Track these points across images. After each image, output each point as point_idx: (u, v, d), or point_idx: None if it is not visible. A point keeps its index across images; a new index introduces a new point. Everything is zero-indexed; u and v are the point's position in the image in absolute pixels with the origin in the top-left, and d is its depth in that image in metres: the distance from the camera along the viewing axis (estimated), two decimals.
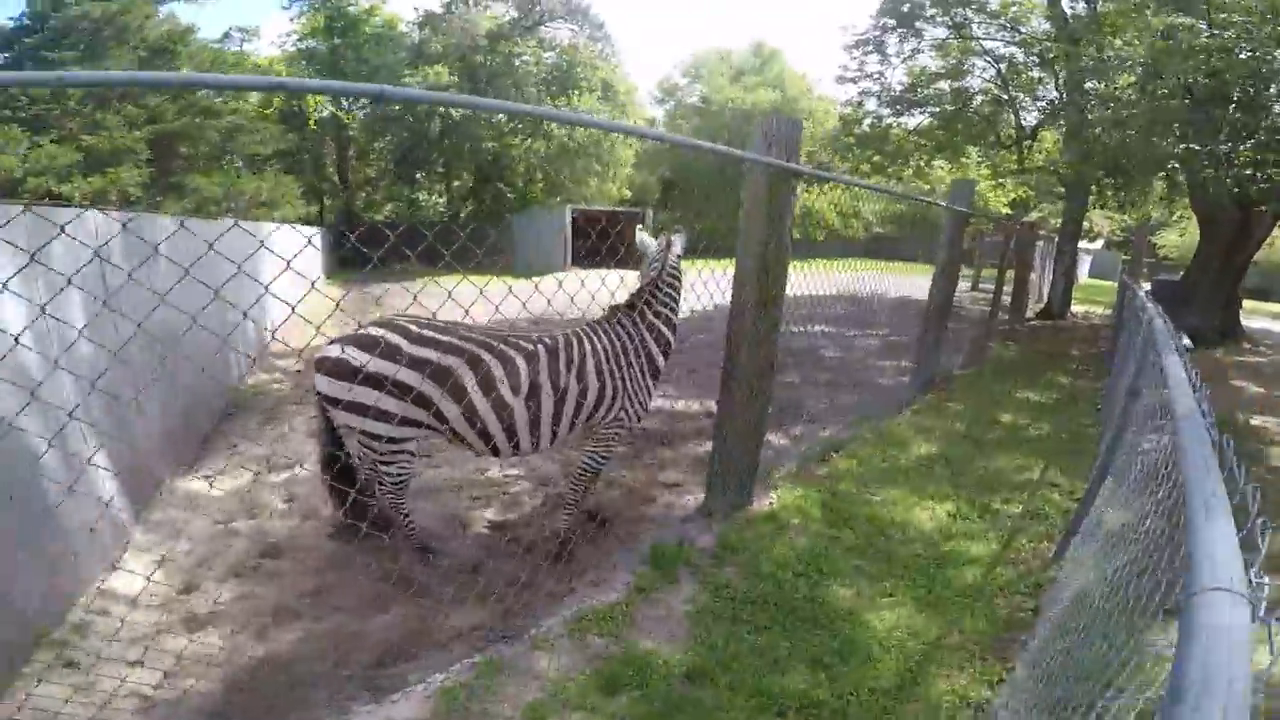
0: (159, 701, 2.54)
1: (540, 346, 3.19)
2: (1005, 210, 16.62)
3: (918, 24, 14.80)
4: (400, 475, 3.30)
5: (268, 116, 20.51)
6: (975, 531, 3.58)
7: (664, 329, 3.48)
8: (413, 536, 3.56)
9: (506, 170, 26.34)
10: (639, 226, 3.78)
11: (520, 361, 3.11)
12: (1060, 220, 14.76)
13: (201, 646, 2.91)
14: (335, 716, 2.35)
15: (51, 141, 14.48)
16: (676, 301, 3.56)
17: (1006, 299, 10.66)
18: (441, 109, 20.47)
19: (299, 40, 24.13)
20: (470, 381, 2.99)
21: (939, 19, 14.44)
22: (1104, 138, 10.77)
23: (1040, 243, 14.08)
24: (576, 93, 26.14)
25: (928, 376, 6.75)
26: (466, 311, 2.52)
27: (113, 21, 15.91)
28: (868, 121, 16.58)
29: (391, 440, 3.09)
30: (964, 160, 16.90)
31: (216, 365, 5.87)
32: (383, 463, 3.23)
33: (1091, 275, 29.94)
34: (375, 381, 2.87)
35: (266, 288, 2.09)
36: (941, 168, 18.02)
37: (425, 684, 2.46)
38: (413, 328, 3.04)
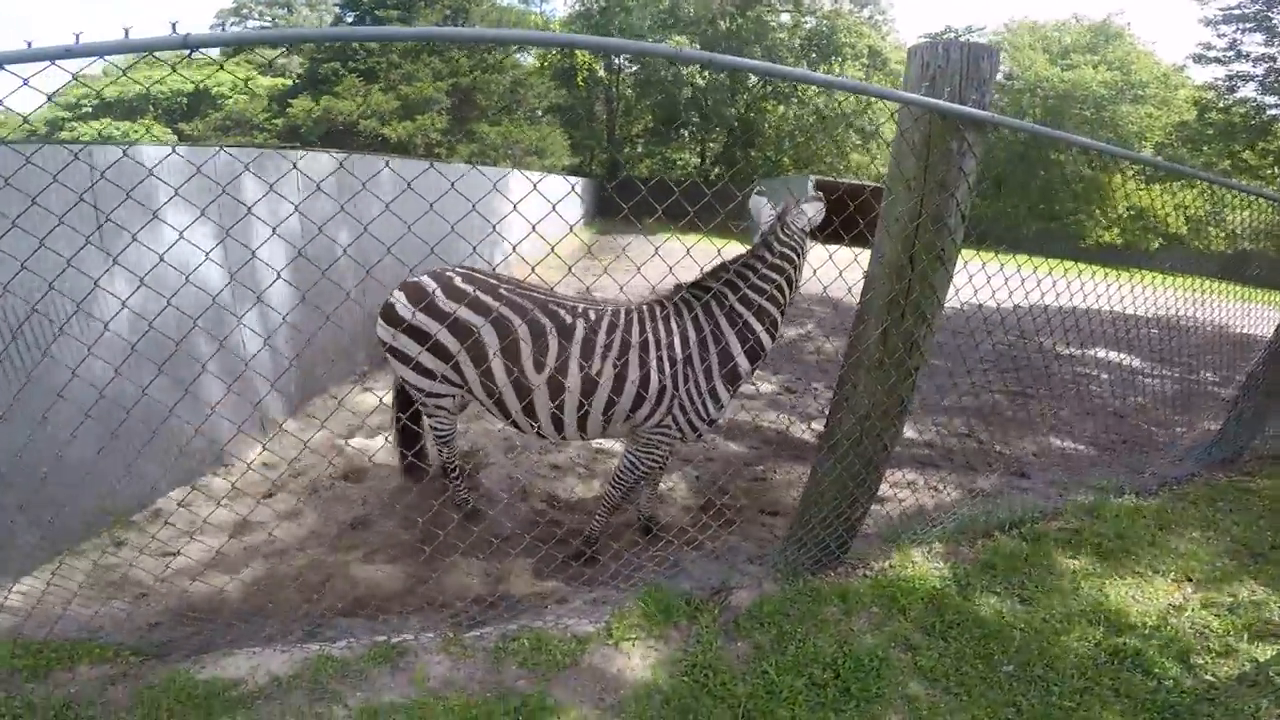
0: (152, 593, 2.68)
1: (579, 320, 2.66)
2: None
3: None
4: (440, 429, 3.12)
5: (544, 73, 22.43)
6: (1136, 688, 2.19)
7: (754, 322, 2.66)
8: (459, 492, 3.37)
9: (757, 136, 25.53)
10: (758, 189, 2.92)
11: (551, 334, 2.63)
12: None
13: (225, 554, 3.06)
14: (239, 650, 2.24)
15: (379, 90, 17.56)
16: (783, 290, 2.70)
17: None
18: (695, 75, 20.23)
19: (577, 1, 25.76)
20: (492, 344, 2.64)
21: None
22: None
23: None
24: (839, 60, 24.06)
25: (1234, 450, 4.63)
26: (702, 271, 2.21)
27: None
28: (1238, 111, 12.43)
29: (424, 391, 2.92)
30: None
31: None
32: (427, 413, 3.08)
33: None
34: (407, 328, 2.75)
35: (494, 226, 2.14)
36: None
37: (325, 644, 2.24)
38: (456, 279, 2.77)
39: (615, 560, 3.04)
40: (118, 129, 23.76)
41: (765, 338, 2.70)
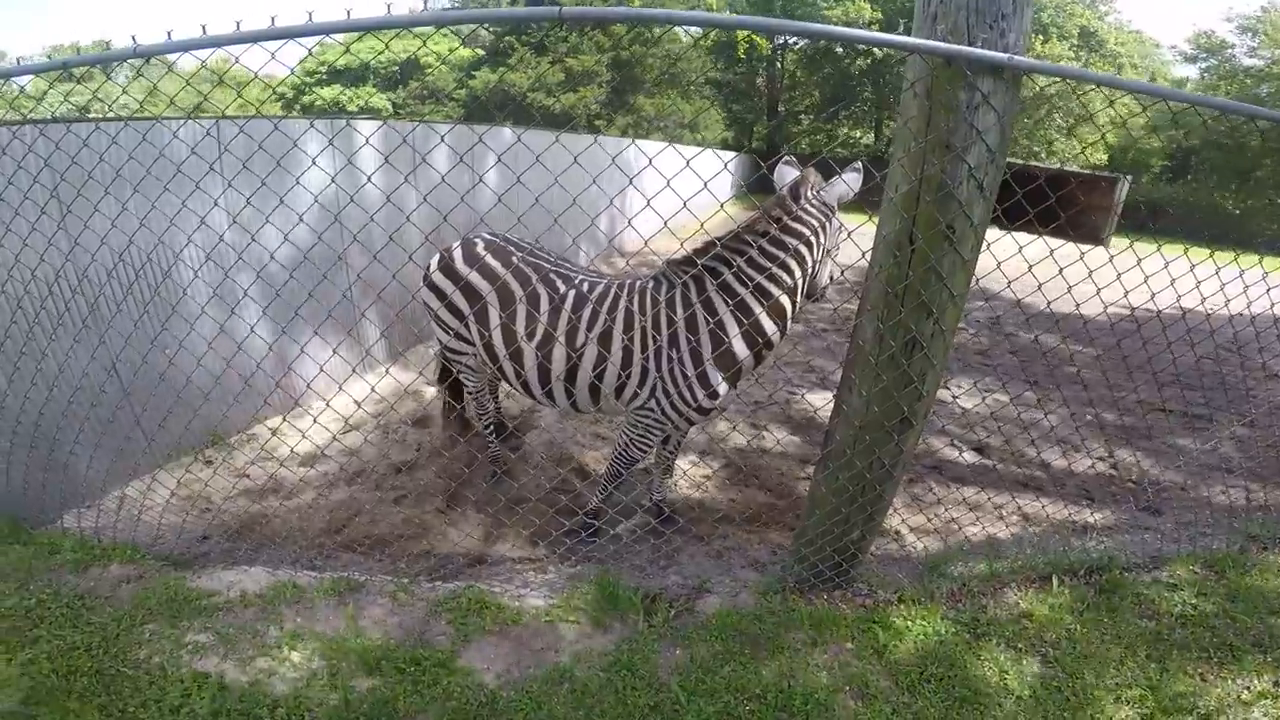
0: (213, 509, 3.08)
1: (571, 291, 2.58)
2: None
3: None
4: (467, 384, 3.28)
5: (701, 47, 22.05)
6: None
7: (754, 304, 2.38)
8: (490, 449, 3.51)
9: None
10: (786, 158, 2.59)
11: (544, 303, 2.59)
12: None
13: (283, 480, 3.41)
14: (235, 567, 2.51)
15: (547, 62, 18.38)
16: (794, 271, 2.36)
17: None
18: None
19: None
20: (493, 311, 2.69)
21: None
22: None
23: None
24: (1042, 39, 21.01)
25: None
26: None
27: None
28: None
29: (446, 346, 3.06)
30: None
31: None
32: (454, 369, 3.24)
33: None
34: (432, 285, 2.91)
35: (575, 199, 2.26)
36: None
37: (299, 571, 2.46)
38: (477, 245, 2.87)
39: (615, 541, 2.98)
40: (344, 95, 27.24)
41: (767, 322, 2.41)
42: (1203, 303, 2.25)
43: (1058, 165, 19.89)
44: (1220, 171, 22.16)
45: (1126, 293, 2.12)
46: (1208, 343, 3.13)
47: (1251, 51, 25.10)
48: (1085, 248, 2.14)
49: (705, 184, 1.71)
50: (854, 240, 2.02)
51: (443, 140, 4.67)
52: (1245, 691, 1.96)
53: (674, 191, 1.75)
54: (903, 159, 1.77)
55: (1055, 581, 2.58)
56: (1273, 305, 2.57)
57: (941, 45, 1.54)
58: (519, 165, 4.81)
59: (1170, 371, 5.45)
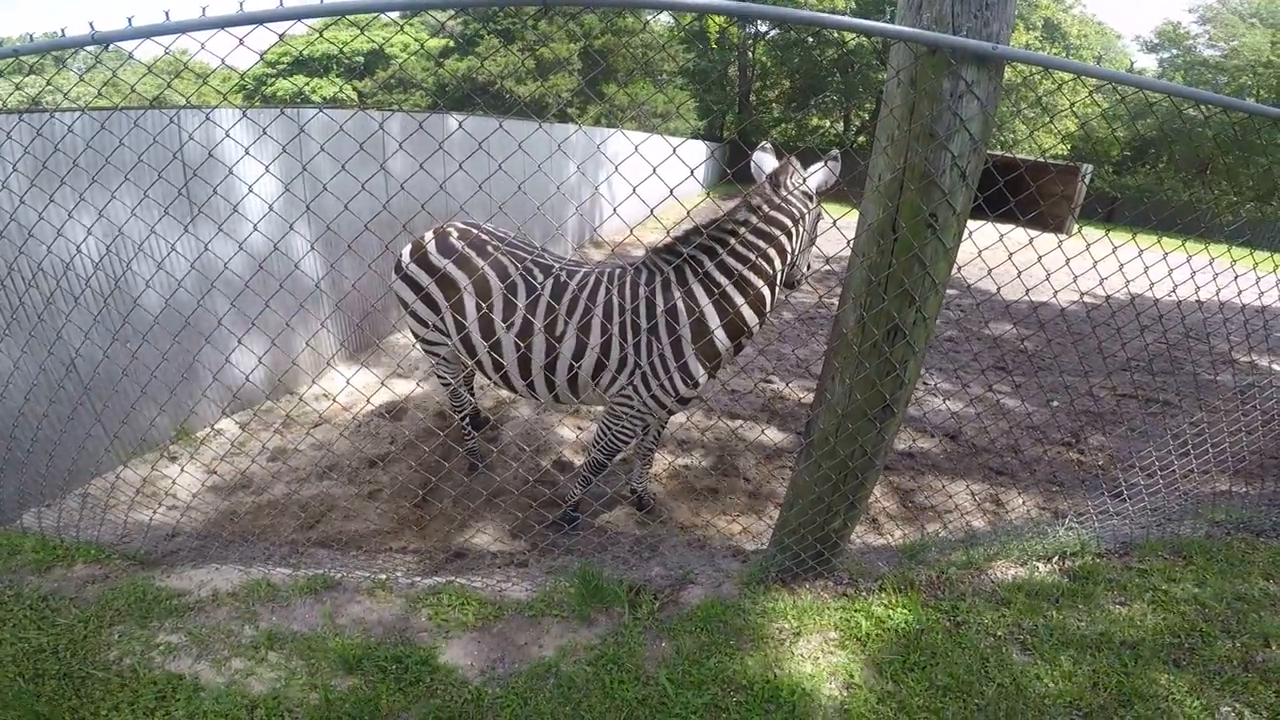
0: (179, 506, 2.98)
1: (549, 279, 2.54)
2: None
3: None
4: (441, 376, 3.22)
5: (674, 37, 22.02)
6: None
7: (734, 293, 2.37)
8: (465, 440, 3.47)
9: None
10: (763, 145, 2.57)
11: (523, 292, 2.54)
12: None
13: (253, 475, 3.32)
14: (205, 565, 2.44)
15: (516, 51, 18.14)
16: (773, 259, 2.36)
17: None
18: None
19: None
20: (470, 302, 2.63)
21: None
22: None
23: None
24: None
25: None
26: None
27: None
28: None
29: (419, 337, 3.02)
30: None
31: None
32: (431, 360, 3.18)
33: None
34: (405, 277, 2.86)
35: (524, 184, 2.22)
36: None
37: (271, 568, 2.39)
38: (452, 235, 2.81)
39: (598, 534, 2.96)
40: (307, 84, 26.48)
41: (749, 312, 2.41)
42: (1174, 291, 2.30)
43: (1030, 156, 20.34)
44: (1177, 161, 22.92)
45: (1102, 280, 2.16)
46: (1159, 328, 3.22)
47: (1210, 42, 25.93)
48: (1046, 235, 2.18)
49: (691, 171, 1.69)
50: (839, 229, 2.01)
51: (420, 127, 4.56)
52: (1216, 676, 2.02)
53: (660, 179, 1.73)
54: (886, 147, 1.77)
55: (1030, 568, 2.64)
56: (1227, 292, 2.65)
57: (927, 34, 1.54)
58: (484, 153, 4.73)
59: (1137, 358, 5.63)
